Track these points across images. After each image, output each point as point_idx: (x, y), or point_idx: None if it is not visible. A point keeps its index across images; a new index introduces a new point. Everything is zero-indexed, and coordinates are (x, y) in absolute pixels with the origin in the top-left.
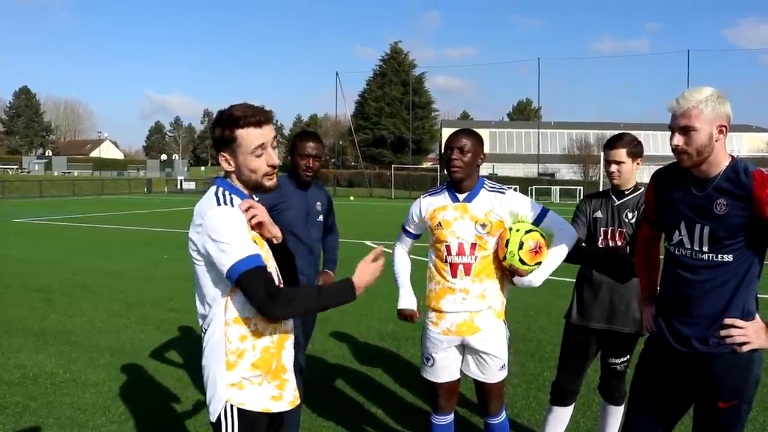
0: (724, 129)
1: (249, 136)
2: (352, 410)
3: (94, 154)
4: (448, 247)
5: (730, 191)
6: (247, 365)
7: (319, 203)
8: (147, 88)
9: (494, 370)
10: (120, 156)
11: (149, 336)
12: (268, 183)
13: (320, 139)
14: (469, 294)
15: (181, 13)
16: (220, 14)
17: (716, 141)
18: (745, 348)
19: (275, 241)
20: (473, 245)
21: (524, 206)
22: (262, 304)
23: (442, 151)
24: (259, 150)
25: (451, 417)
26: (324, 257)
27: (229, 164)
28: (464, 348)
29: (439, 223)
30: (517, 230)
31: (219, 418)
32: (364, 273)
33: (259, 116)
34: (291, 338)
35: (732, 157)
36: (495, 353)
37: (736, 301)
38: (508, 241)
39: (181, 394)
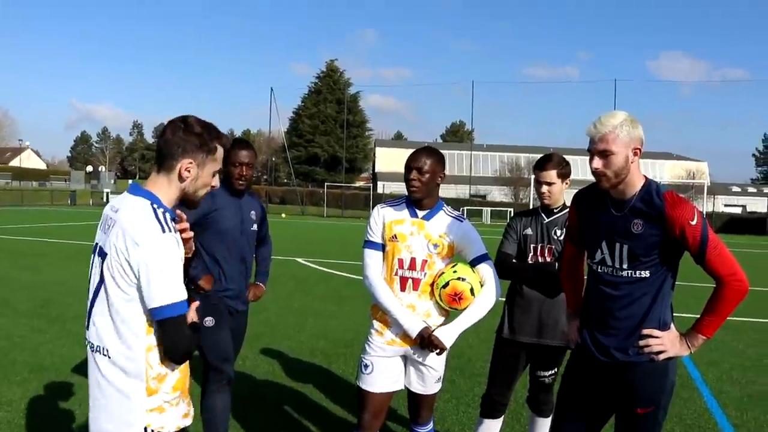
0: (638, 151)
1: (220, 156)
2: (282, 426)
3: (14, 163)
4: (400, 261)
5: (645, 211)
6: (168, 388)
7: (253, 212)
8: (72, 96)
9: (432, 382)
10: (42, 166)
11: (71, 351)
12: (198, 200)
13: (252, 147)
14: (416, 310)
15: (110, 22)
16: (152, 26)
17: (632, 162)
18: (662, 356)
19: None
20: (424, 261)
21: (473, 241)
22: (176, 355)
23: (403, 170)
24: (217, 173)
25: None
26: (256, 269)
27: (189, 172)
28: (406, 359)
29: (395, 235)
30: (454, 271)
31: None
32: None
33: (225, 142)
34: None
35: (646, 178)
36: (435, 366)
37: (653, 313)
38: (442, 274)
39: None
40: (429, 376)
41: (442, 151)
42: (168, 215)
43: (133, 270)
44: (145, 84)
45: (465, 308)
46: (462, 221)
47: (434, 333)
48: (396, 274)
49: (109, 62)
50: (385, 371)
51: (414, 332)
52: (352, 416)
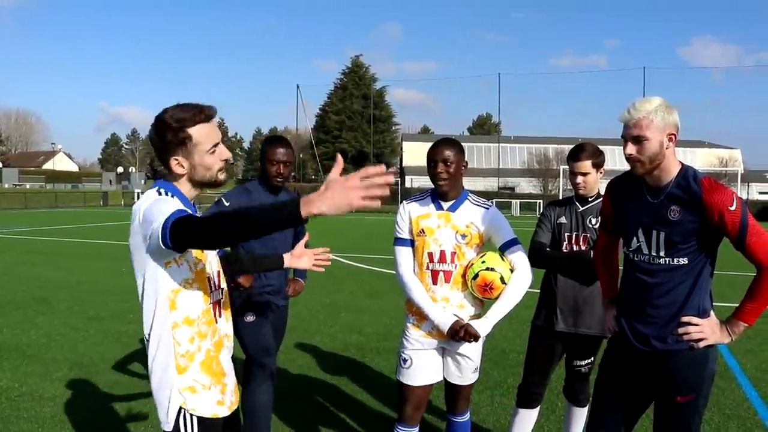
0: (673, 137)
1: (201, 135)
2: (318, 419)
3: (47, 166)
4: (430, 255)
5: (682, 198)
6: (197, 368)
7: None
8: (101, 100)
9: (469, 373)
10: (74, 168)
11: (109, 348)
12: (222, 176)
13: (290, 144)
14: (449, 302)
15: (134, 24)
16: (177, 27)
17: (667, 149)
18: (702, 344)
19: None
20: (453, 253)
21: (500, 227)
22: (191, 239)
23: (426, 164)
24: (213, 148)
25: (415, 431)
26: None
27: (182, 167)
28: (443, 350)
29: (422, 230)
30: (482, 261)
31: (177, 425)
32: (332, 195)
33: (206, 111)
34: (227, 345)
35: (682, 164)
36: (471, 356)
37: (692, 301)
38: (471, 265)
39: (143, 407)
40: (466, 366)
41: (469, 144)
42: (173, 195)
43: (142, 240)
44: (171, 85)
45: (498, 297)
46: (488, 208)
47: (470, 322)
48: (427, 268)
49: (136, 65)
50: (424, 364)
51: (445, 328)
52: (388, 409)
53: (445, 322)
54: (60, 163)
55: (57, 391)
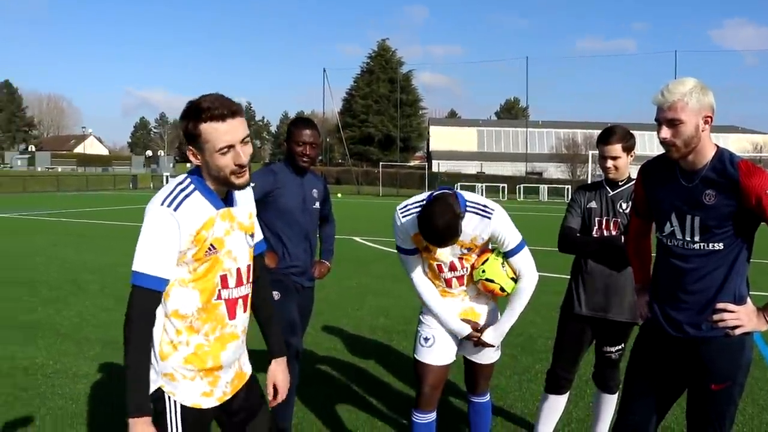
0: (709, 119)
1: (214, 133)
2: (345, 401)
3: (78, 149)
4: (439, 266)
5: (718, 181)
6: (180, 359)
7: (315, 190)
8: (128, 83)
9: (490, 352)
10: (104, 152)
11: None
12: (238, 181)
13: (316, 126)
14: (467, 294)
15: (164, 9)
16: (204, 11)
17: (702, 131)
18: (738, 331)
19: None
20: (461, 259)
21: (504, 237)
22: (125, 317)
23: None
24: (225, 149)
25: (433, 416)
26: (321, 247)
27: (196, 158)
28: None
29: (426, 246)
30: (483, 270)
31: (162, 405)
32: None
33: (222, 109)
34: (238, 341)
35: (717, 146)
36: None
37: (727, 287)
38: (474, 267)
39: None
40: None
41: (497, 129)
42: (190, 196)
43: None
44: (198, 68)
45: (503, 296)
46: (490, 217)
47: (482, 337)
48: (438, 278)
49: (162, 48)
50: (445, 343)
51: (460, 335)
52: (414, 391)
53: (460, 331)
54: (90, 147)
55: (90, 369)
